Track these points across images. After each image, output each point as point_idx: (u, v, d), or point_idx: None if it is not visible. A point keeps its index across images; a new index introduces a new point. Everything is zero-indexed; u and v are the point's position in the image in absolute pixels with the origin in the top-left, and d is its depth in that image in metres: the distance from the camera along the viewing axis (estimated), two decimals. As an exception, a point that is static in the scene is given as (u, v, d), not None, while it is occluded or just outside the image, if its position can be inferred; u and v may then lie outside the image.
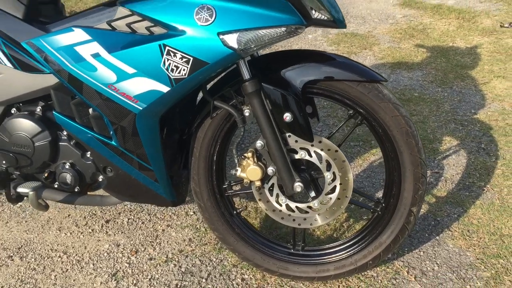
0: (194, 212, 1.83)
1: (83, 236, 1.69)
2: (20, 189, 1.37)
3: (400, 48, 3.57)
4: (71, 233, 1.70)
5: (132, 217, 1.79)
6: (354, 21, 4.32)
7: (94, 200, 1.49)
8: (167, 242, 1.67)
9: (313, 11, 1.18)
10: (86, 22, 1.31)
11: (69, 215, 1.79)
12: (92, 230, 1.72)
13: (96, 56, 1.23)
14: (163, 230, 1.73)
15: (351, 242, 1.46)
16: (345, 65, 1.31)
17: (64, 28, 1.29)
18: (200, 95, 1.42)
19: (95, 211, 1.81)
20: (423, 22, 4.20)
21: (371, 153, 2.22)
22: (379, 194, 1.83)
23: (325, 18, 1.20)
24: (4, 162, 1.40)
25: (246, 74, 1.27)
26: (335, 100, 1.34)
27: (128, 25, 1.24)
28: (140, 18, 1.23)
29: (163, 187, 1.40)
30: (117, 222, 1.76)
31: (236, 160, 1.39)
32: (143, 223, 1.76)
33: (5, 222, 1.74)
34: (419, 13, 4.46)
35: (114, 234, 1.70)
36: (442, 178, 2.02)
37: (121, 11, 1.26)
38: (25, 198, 1.46)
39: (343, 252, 1.46)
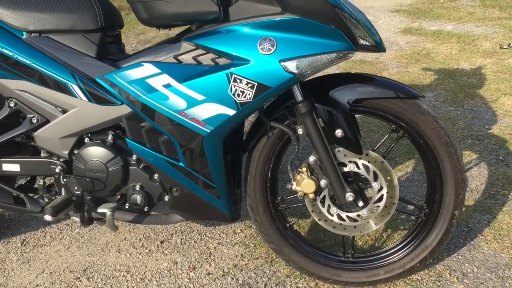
0: (241, 230, 1.95)
1: (142, 256, 1.80)
2: (100, 210, 1.49)
3: (408, 72, 3.76)
4: (130, 254, 1.81)
5: (184, 237, 1.91)
6: (360, 49, 4.52)
7: (159, 219, 1.62)
8: (221, 258, 1.79)
9: (360, 39, 1.34)
10: (153, 57, 1.47)
11: (125, 238, 1.90)
12: (149, 250, 1.84)
13: (167, 86, 1.39)
14: (215, 247, 1.85)
15: (399, 247, 1.59)
16: (387, 84, 1.46)
17: (134, 64, 1.44)
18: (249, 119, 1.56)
19: (149, 233, 1.93)
20: (426, 47, 4.41)
21: (405, 164, 2.36)
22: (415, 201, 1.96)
23: (369, 43, 1.37)
24: (80, 187, 1.53)
25: (299, 97, 1.43)
26: (378, 116, 1.49)
27: (194, 58, 1.40)
28: (204, 51, 1.39)
29: (224, 203, 1.53)
30: (171, 242, 1.88)
31: (290, 175, 1.53)
32: (195, 242, 1.88)
33: (67, 247, 1.86)
34: (420, 39, 4.68)
35: (170, 253, 1.82)
36: (468, 188, 2.16)
37: (186, 46, 1.42)
38: (94, 220, 1.59)
39: (392, 256, 1.58)
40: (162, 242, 1.88)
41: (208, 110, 1.38)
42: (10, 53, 1.44)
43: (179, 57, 1.42)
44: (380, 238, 1.86)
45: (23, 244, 1.87)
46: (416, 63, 3.98)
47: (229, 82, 1.34)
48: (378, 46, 1.39)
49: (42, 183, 1.68)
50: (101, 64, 1.48)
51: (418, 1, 6.71)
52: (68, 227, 1.98)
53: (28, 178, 1.83)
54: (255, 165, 1.56)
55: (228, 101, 1.36)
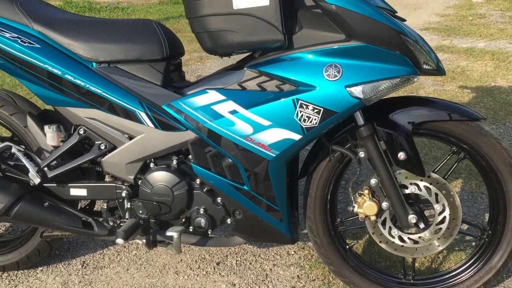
0: (295, 252, 1.96)
1: (199, 278, 1.83)
2: (168, 233, 1.53)
3: (445, 90, 3.75)
4: (188, 276, 1.84)
5: (239, 258, 1.94)
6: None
7: (221, 241, 1.65)
8: (278, 279, 1.81)
9: (423, 63, 1.37)
10: (217, 84, 1.52)
11: (181, 260, 1.94)
12: (206, 272, 1.86)
13: (233, 112, 1.43)
14: (270, 269, 1.87)
15: (462, 268, 1.58)
16: (447, 107, 1.48)
17: (199, 91, 1.50)
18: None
19: (204, 255, 1.96)
20: (460, 64, 4.41)
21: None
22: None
23: (431, 67, 1.40)
24: (146, 211, 1.58)
25: (361, 120, 1.46)
26: (439, 138, 1.51)
27: (258, 84, 1.45)
28: (268, 78, 1.44)
29: (286, 225, 1.56)
30: (227, 264, 1.90)
31: (352, 198, 1.55)
32: (250, 263, 1.90)
33: (126, 269, 1.90)
34: (454, 57, 4.68)
35: (227, 275, 1.84)
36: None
37: (249, 73, 1.47)
38: (158, 243, 1.63)
39: (455, 278, 1.58)
40: (218, 263, 1.91)
41: (274, 135, 1.41)
42: (82, 83, 1.50)
43: (243, 84, 1.47)
44: (437, 260, 1.85)
45: (83, 266, 1.92)
46: (452, 81, 3.97)
47: (295, 107, 1.38)
48: (439, 70, 1.42)
49: (105, 207, 1.72)
50: (167, 92, 1.53)
51: (446, 19, 6.72)
52: (125, 249, 2.02)
53: (87, 202, 1.89)
54: (315, 187, 1.59)
55: (294, 126, 1.39)
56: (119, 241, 1.48)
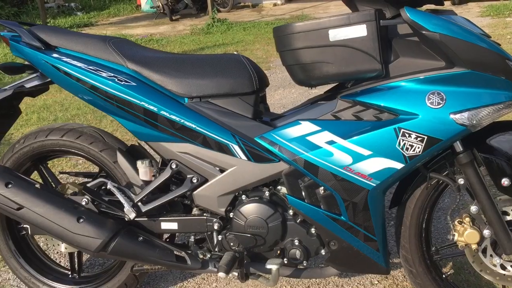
0: (378, 281, 1.93)
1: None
2: (268, 266, 1.52)
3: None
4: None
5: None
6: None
7: (315, 272, 1.63)
8: (367, 311, 1.77)
9: (527, 87, 1.35)
10: (309, 115, 1.52)
11: (264, 292, 1.92)
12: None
13: (330, 143, 1.43)
14: (356, 300, 1.83)
15: None
16: (547, 130, 1.45)
17: (291, 122, 1.50)
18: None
19: (285, 285, 1.94)
20: None
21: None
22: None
23: (533, 91, 1.37)
24: (240, 243, 1.57)
25: (459, 147, 1.44)
26: (541, 163, 1.47)
27: (354, 114, 1.45)
28: (364, 108, 1.44)
29: (382, 255, 1.53)
30: (311, 295, 1.88)
31: (451, 226, 1.52)
32: (335, 294, 1.87)
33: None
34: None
35: (314, 307, 1.81)
36: None
37: (342, 103, 1.48)
38: (250, 275, 1.62)
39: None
40: (303, 295, 1.89)
41: (374, 165, 1.41)
42: (177, 119, 1.53)
43: (337, 114, 1.48)
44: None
45: (166, 300, 1.92)
46: None
47: (397, 136, 1.37)
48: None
49: (192, 240, 1.73)
50: (258, 124, 1.55)
51: (484, 37, 6.64)
52: (204, 281, 2.02)
53: (168, 235, 1.89)
54: (410, 216, 1.57)
55: (396, 155, 1.38)
56: (222, 275, 1.47)
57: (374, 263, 1.54)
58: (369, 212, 1.46)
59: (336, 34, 1.39)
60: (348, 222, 1.49)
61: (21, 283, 2.05)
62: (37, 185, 1.62)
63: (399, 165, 1.39)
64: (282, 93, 4.55)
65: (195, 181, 1.59)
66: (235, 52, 1.74)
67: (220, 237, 1.62)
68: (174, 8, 11.12)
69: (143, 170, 1.64)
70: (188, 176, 1.60)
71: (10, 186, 1.57)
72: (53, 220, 1.56)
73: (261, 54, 6.47)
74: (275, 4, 12.44)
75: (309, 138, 1.46)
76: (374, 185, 1.42)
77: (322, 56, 1.42)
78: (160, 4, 10.96)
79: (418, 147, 1.36)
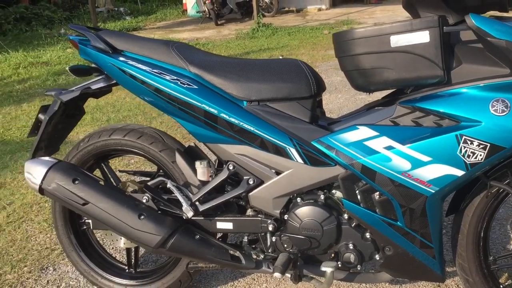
0: (430, 290, 1.91)
1: (336, 314, 1.82)
2: (323, 268, 1.54)
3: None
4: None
5: (373, 295, 1.90)
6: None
7: (368, 277, 1.64)
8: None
9: None
10: (366, 120, 1.54)
11: (313, 295, 1.93)
12: (342, 308, 1.85)
13: (389, 148, 1.44)
14: (408, 307, 1.82)
15: None
16: None
17: (348, 127, 1.52)
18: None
19: (336, 291, 1.95)
20: None
21: None
22: None
23: None
24: (294, 245, 1.60)
25: (522, 155, 1.41)
26: None
27: (413, 120, 1.45)
28: (423, 114, 1.44)
29: (438, 263, 1.52)
30: (362, 301, 1.88)
31: (511, 235, 1.49)
32: (386, 301, 1.86)
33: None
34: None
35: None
36: None
37: (400, 109, 1.48)
38: (303, 277, 1.64)
39: None
40: (352, 300, 1.89)
41: (434, 171, 1.40)
42: (236, 121, 1.57)
43: (396, 120, 1.48)
44: None
45: (217, 298, 1.96)
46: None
47: (459, 143, 1.36)
48: None
49: (246, 240, 1.76)
50: (315, 128, 1.57)
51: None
52: (255, 282, 2.05)
53: (221, 234, 1.94)
54: (468, 224, 1.55)
55: (457, 162, 1.37)
56: (278, 275, 1.50)
57: (430, 270, 1.53)
58: (426, 219, 1.46)
59: (398, 40, 1.39)
60: (405, 228, 1.49)
61: (79, 276, 2.15)
62: (101, 182, 1.70)
63: (459, 172, 1.38)
64: (329, 98, 4.55)
65: (251, 182, 1.63)
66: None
67: (274, 238, 1.65)
68: (219, 13, 11.29)
69: (201, 171, 1.69)
70: (244, 177, 1.64)
71: (77, 182, 1.65)
72: (116, 216, 1.63)
73: (307, 59, 6.48)
74: (319, 9, 12.43)
75: (366, 143, 1.47)
76: (433, 191, 1.42)
77: (382, 62, 1.43)
78: (206, 9, 11.16)
79: (480, 155, 1.35)
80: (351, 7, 12.49)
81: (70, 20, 12.47)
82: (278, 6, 11.96)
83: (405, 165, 1.42)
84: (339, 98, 4.57)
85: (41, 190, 1.67)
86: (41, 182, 1.66)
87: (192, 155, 1.78)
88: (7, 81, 6.36)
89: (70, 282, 2.13)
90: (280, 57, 1.74)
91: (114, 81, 1.77)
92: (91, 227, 1.84)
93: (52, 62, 7.44)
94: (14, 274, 2.21)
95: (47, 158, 1.73)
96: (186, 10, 13.31)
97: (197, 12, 12.12)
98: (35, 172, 1.68)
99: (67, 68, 1.77)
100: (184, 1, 13.42)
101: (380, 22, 8.61)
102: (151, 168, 3.14)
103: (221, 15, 11.45)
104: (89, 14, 12.47)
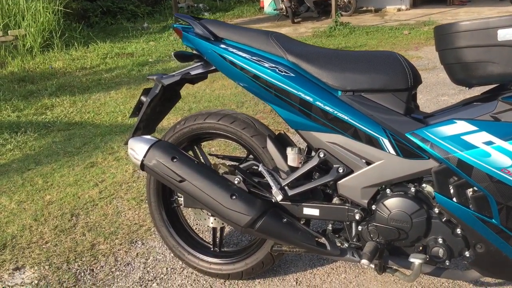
0: (518, 295, 1.84)
1: (417, 310, 1.81)
2: (411, 259, 1.55)
3: None
4: (404, 306, 1.83)
5: (456, 295, 1.87)
6: None
7: (456, 274, 1.62)
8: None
9: None
10: (464, 115, 1.51)
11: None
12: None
13: (489, 143, 1.41)
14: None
15: None
16: None
17: (445, 121, 1.51)
18: None
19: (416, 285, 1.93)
20: None
21: None
22: None
23: None
24: (381, 235, 1.61)
25: None
26: None
27: (517, 116, 1.42)
28: (529, 110, 1.40)
29: (533, 265, 1.48)
30: (444, 299, 1.85)
31: None
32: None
33: (340, 291, 1.95)
34: None
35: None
36: None
37: (503, 104, 1.45)
38: (387, 269, 1.64)
39: None
40: (434, 297, 1.87)
41: (536, 169, 1.36)
42: (330, 110, 1.61)
43: (497, 115, 1.45)
44: None
45: (297, 283, 2.01)
46: None
47: None
48: None
49: (330, 228, 1.80)
50: (410, 120, 1.57)
51: None
52: (334, 271, 2.08)
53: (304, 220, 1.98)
54: None
55: None
56: (365, 261, 1.53)
57: (523, 271, 1.49)
58: (524, 218, 1.42)
59: (506, 34, 1.37)
60: (500, 226, 1.46)
61: (166, 251, 2.29)
62: (197, 162, 1.80)
63: None
64: (409, 98, 4.45)
65: (341, 171, 1.66)
66: None
67: (360, 228, 1.67)
68: (296, 10, 11.33)
69: (292, 157, 1.74)
70: (334, 165, 1.68)
71: (175, 160, 1.76)
72: (210, 194, 1.72)
73: (385, 59, 6.35)
74: (399, 9, 12.12)
75: (464, 137, 1.46)
76: (534, 190, 1.38)
77: (487, 56, 1.41)
78: (283, 7, 11.24)
79: None
80: (433, 7, 12.06)
81: (152, 15, 13.03)
82: (356, 6, 11.81)
83: (506, 161, 1.40)
84: (420, 98, 4.45)
85: (142, 166, 1.79)
86: (143, 158, 1.78)
87: (282, 142, 1.84)
88: (96, 69, 6.79)
89: (157, 257, 2.27)
90: None
91: (212, 68, 1.86)
92: (183, 205, 1.95)
93: (137, 53, 7.84)
94: (106, 245, 2.38)
95: (148, 136, 1.86)
96: (263, 8, 13.47)
97: (274, 10, 12.24)
98: (138, 149, 1.81)
99: (171, 53, 1.89)
100: (261, -1, 13.60)
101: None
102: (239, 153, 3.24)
103: (298, 13, 11.48)
104: (170, 9, 12.97)
